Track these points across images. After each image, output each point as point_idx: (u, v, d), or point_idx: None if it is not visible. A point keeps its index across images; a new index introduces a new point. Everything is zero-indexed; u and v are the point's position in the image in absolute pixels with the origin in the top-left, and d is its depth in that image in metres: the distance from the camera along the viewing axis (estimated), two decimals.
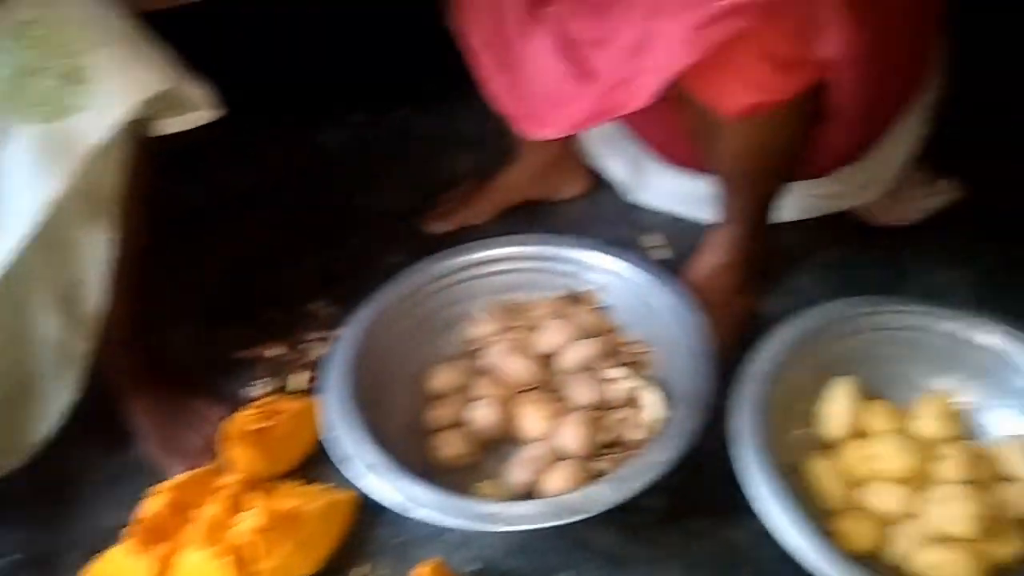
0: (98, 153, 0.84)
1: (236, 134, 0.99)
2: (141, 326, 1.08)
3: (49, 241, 0.89)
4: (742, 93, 0.91)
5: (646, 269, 1.09)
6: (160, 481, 0.99)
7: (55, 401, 1.02)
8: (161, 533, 0.90)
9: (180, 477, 0.95)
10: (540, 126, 1.06)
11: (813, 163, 1.11)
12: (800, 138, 1.02)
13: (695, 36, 0.85)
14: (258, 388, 1.13)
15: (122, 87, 0.83)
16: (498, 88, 1.09)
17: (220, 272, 1.34)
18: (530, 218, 1.38)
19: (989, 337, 0.96)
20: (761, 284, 1.20)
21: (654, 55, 0.89)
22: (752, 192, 1.09)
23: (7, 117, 0.82)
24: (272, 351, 1.18)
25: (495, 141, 1.53)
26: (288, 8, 1.43)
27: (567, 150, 1.38)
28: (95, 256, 0.94)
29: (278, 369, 1.16)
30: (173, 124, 0.98)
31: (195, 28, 0.99)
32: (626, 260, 1.11)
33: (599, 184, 1.41)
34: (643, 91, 0.90)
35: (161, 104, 0.89)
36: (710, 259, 1.16)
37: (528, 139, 1.15)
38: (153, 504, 0.92)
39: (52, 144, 0.81)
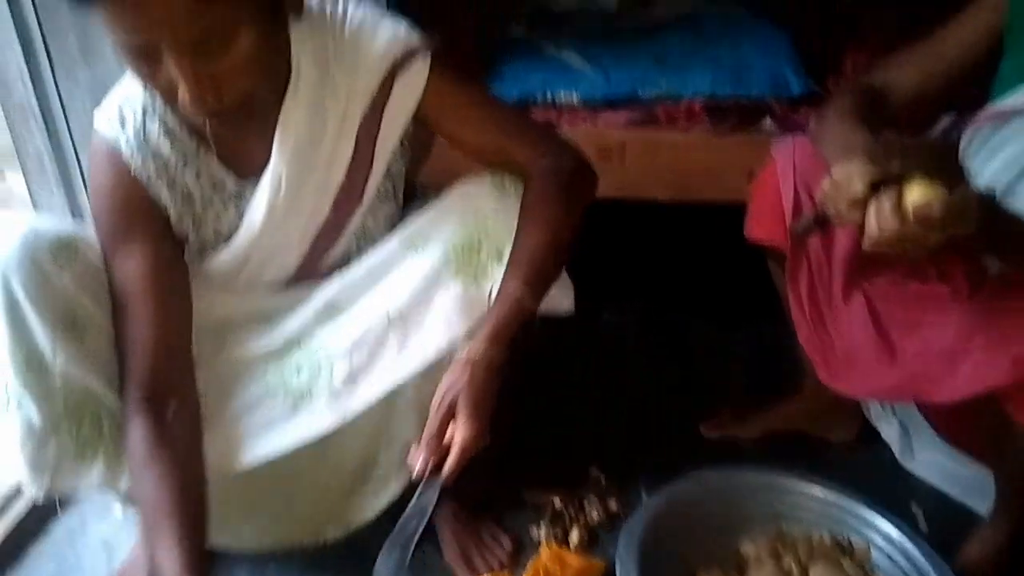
0: None
1: None
2: None
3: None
4: None
5: (921, 544, 1.15)
6: None
7: (388, 491, 1.20)
8: None
9: None
10: (837, 380, 1.17)
11: None
12: None
13: (1016, 365, 0.93)
14: (541, 531, 1.27)
15: None
16: (807, 335, 1.21)
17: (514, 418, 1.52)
18: (795, 450, 1.46)
19: None
20: None
21: (971, 367, 0.98)
22: None
23: (449, 270, 1.04)
24: (557, 501, 1.32)
25: (765, 365, 1.66)
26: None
27: (847, 397, 1.46)
28: None
29: (557, 519, 1.30)
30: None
31: None
32: (904, 530, 1.16)
33: (871, 435, 1.48)
34: (951, 392, 1.00)
35: None
36: (978, 548, 1.20)
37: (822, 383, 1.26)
38: None
39: (470, 300, 1.02)
